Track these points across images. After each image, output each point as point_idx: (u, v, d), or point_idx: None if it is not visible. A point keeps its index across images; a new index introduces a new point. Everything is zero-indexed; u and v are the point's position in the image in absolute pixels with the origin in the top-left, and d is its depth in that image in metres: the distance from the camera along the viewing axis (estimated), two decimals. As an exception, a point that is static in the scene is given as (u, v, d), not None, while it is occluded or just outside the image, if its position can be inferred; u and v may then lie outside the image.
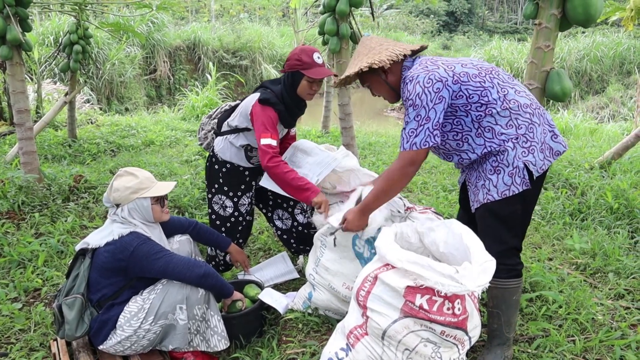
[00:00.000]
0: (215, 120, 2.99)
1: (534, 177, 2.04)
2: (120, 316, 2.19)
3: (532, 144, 2.03)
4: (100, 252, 2.22)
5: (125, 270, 2.22)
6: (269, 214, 3.21)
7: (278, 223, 3.19)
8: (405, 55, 2.22)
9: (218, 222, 2.99)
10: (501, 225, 2.12)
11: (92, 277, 2.23)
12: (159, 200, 2.39)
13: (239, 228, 3.02)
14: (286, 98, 2.74)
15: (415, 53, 2.29)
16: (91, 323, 2.18)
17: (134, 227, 2.28)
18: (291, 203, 3.13)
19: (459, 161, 2.22)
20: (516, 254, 2.18)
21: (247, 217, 3.05)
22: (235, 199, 2.95)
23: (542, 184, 2.18)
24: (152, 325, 2.17)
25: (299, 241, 3.20)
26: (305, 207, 3.13)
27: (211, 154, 2.95)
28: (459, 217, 2.56)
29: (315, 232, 3.01)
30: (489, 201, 2.10)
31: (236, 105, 2.95)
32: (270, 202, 3.16)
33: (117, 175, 2.32)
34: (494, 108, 2.04)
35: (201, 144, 3.10)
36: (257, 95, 2.76)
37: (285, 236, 3.21)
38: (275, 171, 2.56)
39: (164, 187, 2.39)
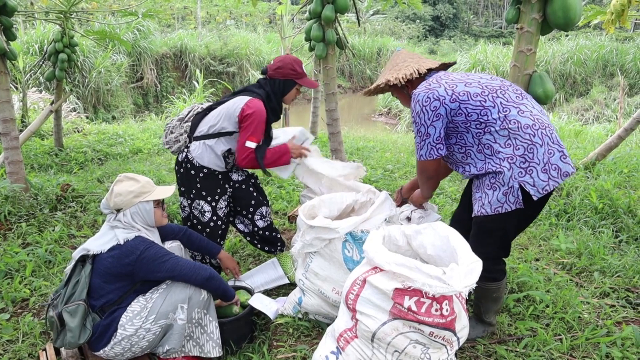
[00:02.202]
0: (189, 124, 2.95)
1: (534, 198, 2.06)
2: (123, 315, 2.19)
3: (531, 164, 2.06)
4: (104, 258, 2.21)
5: (132, 274, 2.22)
6: (231, 219, 3.28)
7: (240, 226, 3.29)
8: (428, 70, 2.38)
9: (199, 227, 3.01)
10: (488, 239, 2.22)
11: (94, 283, 2.22)
12: (159, 204, 2.41)
13: (219, 232, 3.05)
14: (272, 103, 2.92)
15: (445, 68, 2.48)
16: (93, 329, 2.17)
17: (138, 231, 2.29)
18: (250, 210, 3.19)
19: (462, 172, 2.32)
20: (498, 262, 2.32)
21: (225, 220, 3.09)
22: (214, 204, 2.98)
23: (544, 203, 2.22)
24: (153, 325, 2.17)
25: (262, 242, 3.31)
26: (264, 213, 3.22)
27: (185, 159, 2.91)
28: (455, 214, 2.70)
29: (275, 235, 3.27)
30: (481, 214, 2.20)
31: (209, 108, 2.95)
32: (232, 209, 3.22)
33: (117, 180, 2.32)
34: (493, 127, 2.11)
35: (169, 148, 3.03)
36: (244, 98, 2.81)
37: (248, 238, 3.32)
38: (250, 165, 2.84)
39: (165, 191, 2.41)
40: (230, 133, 2.85)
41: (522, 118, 2.10)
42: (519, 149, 2.08)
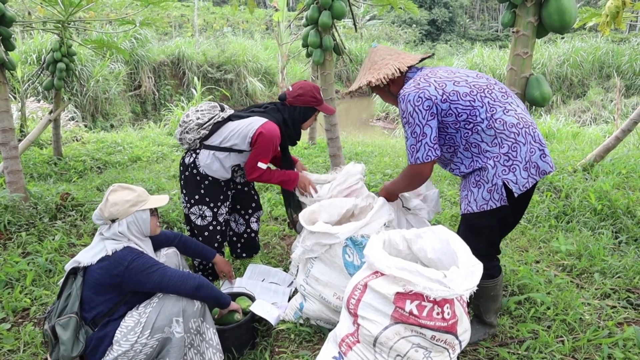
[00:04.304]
0: (206, 132, 2.88)
1: (515, 195, 2.10)
2: (117, 331, 2.17)
3: (515, 162, 2.09)
4: (93, 269, 2.20)
5: (120, 285, 2.21)
6: (227, 216, 3.29)
7: (232, 224, 3.35)
8: (409, 67, 2.35)
9: (196, 232, 3.05)
10: (476, 236, 2.24)
11: (85, 295, 2.21)
12: (154, 213, 2.40)
13: (217, 237, 3.07)
14: (290, 129, 2.96)
15: (421, 60, 2.44)
16: (87, 341, 2.16)
17: (127, 242, 2.28)
18: (249, 211, 3.31)
19: (450, 170, 2.34)
20: (491, 259, 2.32)
21: (224, 227, 3.12)
22: (215, 209, 3.01)
23: (528, 199, 2.25)
24: (149, 339, 2.16)
25: (244, 247, 3.40)
26: (259, 217, 3.37)
27: (192, 164, 2.91)
28: None
29: (259, 241, 3.40)
30: (468, 212, 2.23)
31: (228, 119, 2.93)
32: (230, 206, 3.23)
33: (110, 190, 2.30)
34: (480, 126, 2.12)
35: (181, 143, 2.97)
36: (261, 120, 2.83)
37: (235, 238, 3.38)
38: (259, 180, 2.91)
39: (160, 200, 2.41)
40: (240, 151, 2.88)
41: (508, 117, 2.12)
42: (503, 147, 2.10)
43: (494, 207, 2.14)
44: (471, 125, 2.14)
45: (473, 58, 16.53)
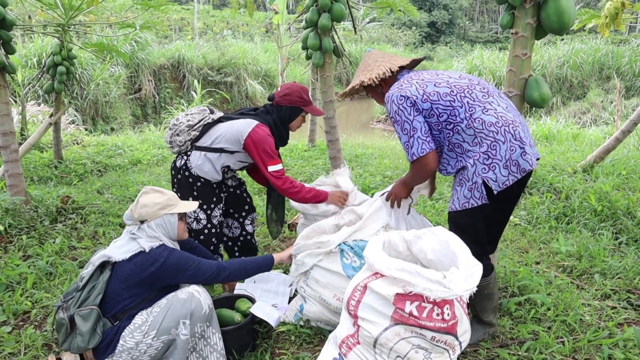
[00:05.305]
0: (196, 133, 2.90)
1: (494, 192, 2.12)
2: (127, 327, 2.20)
3: (494, 161, 2.11)
4: (124, 264, 2.23)
5: (154, 281, 2.24)
6: (220, 218, 3.28)
7: (226, 231, 3.33)
8: (400, 68, 2.41)
9: (192, 235, 3.04)
10: (461, 234, 2.21)
11: (111, 290, 2.22)
12: (182, 217, 2.43)
13: (212, 240, 3.07)
14: (280, 129, 2.97)
15: (415, 64, 2.50)
16: (103, 334, 2.18)
17: (160, 241, 2.31)
18: (243, 214, 3.31)
19: (439, 171, 2.38)
20: (480, 258, 2.27)
21: (218, 229, 3.12)
22: (209, 212, 3.02)
23: (514, 198, 2.26)
24: (154, 340, 2.17)
25: (241, 250, 3.39)
26: (253, 218, 3.38)
27: (184, 166, 2.92)
28: None
29: (256, 243, 3.40)
30: (452, 210, 2.28)
31: (218, 120, 2.96)
32: (223, 209, 3.23)
33: (142, 192, 2.35)
34: (460, 126, 2.17)
35: (171, 147, 2.98)
36: (252, 122, 2.84)
37: (230, 243, 3.38)
38: (291, 195, 2.87)
39: (189, 205, 2.43)
40: (232, 152, 2.89)
41: (487, 116, 2.14)
42: (483, 146, 2.13)
43: (475, 205, 2.18)
44: (452, 125, 2.18)
45: (473, 60, 16.52)
